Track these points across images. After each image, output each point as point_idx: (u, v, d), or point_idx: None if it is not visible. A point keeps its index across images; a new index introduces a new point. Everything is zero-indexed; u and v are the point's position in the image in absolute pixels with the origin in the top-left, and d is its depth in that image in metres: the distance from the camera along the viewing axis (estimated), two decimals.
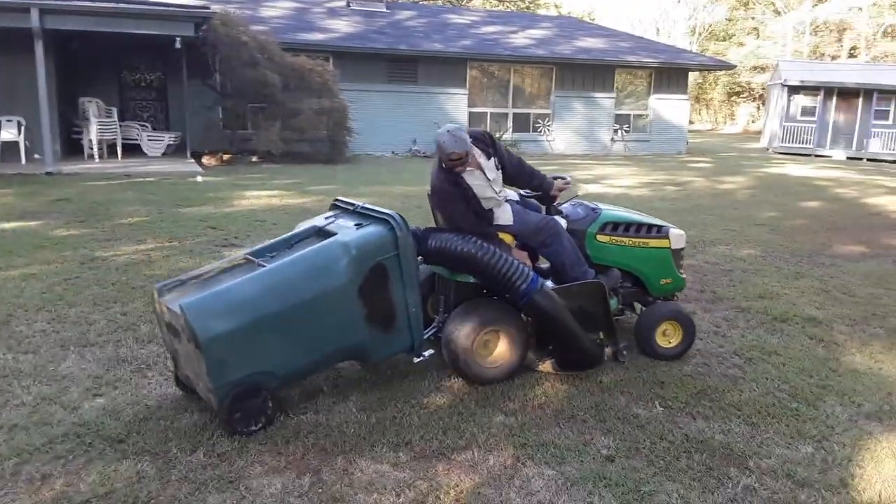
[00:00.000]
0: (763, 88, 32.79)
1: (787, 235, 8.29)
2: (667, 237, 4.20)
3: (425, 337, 3.65)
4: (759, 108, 36.00)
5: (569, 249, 3.89)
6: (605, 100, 19.99)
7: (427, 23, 20.81)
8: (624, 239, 4.12)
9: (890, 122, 23.22)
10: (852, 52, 38.98)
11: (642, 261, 4.17)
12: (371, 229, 3.35)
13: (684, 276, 4.43)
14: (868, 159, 22.40)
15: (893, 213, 10.57)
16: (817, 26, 39.44)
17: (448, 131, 3.59)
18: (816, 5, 38.73)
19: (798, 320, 4.95)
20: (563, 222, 4.03)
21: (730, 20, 43.36)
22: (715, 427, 3.29)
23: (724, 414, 3.44)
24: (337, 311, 3.20)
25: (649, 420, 3.34)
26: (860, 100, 23.28)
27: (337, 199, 3.93)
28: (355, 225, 3.42)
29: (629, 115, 20.50)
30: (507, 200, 4.00)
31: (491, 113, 19.35)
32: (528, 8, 39.40)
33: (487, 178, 3.80)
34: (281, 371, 3.13)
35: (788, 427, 3.32)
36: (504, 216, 3.91)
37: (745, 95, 41.85)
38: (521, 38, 20.53)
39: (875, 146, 23.02)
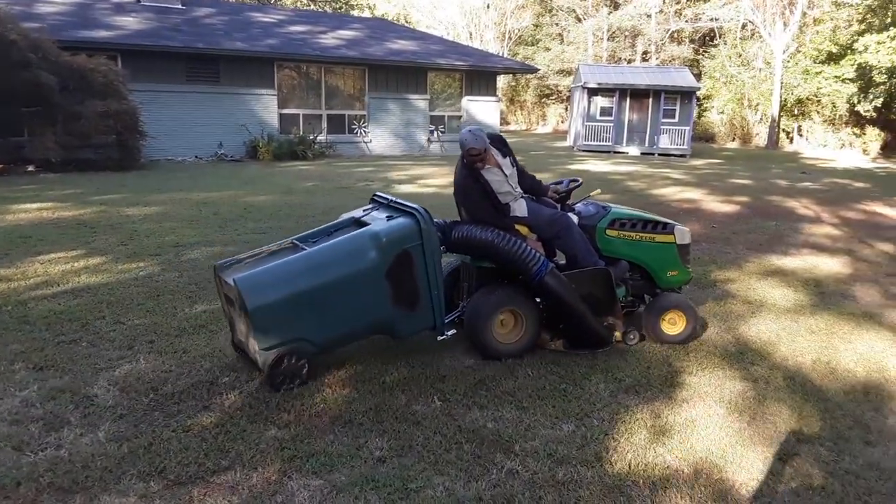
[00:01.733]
0: (568, 90, 35.44)
1: None
2: (672, 233, 4.62)
3: (449, 320, 4.13)
4: (566, 109, 38.86)
5: (579, 242, 4.36)
6: (420, 101, 20.45)
7: (228, 21, 19.96)
8: (631, 234, 4.56)
9: (676, 119, 26.11)
10: (644, 55, 43.38)
11: (649, 254, 4.60)
12: (399, 221, 3.85)
13: (690, 269, 4.82)
14: (659, 154, 25.03)
15: (674, 201, 11.84)
16: (613, 32, 43.43)
17: (469, 130, 4.17)
18: (612, 12, 42.65)
19: None
20: (574, 218, 4.50)
21: (536, 26, 46.39)
22: (488, 415, 3.44)
23: (498, 401, 3.60)
24: (367, 290, 3.71)
25: (426, 416, 3.41)
26: (650, 100, 25.94)
27: (375, 194, 4.45)
28: (386, 217, 3.95)
29: (444, 116, 21.14)
30: (522, 197, 4.45)
31: (304, 115, 18.99)
32: (341, 9, 39.30)
33: (504, 174, 4.32)
34: (317, 339, 3.67)
35: (555, 408, 3.55)
36: (520, 209, 4.40)
37: (554, 97, 44.99)
38: (331, 39, 20.39)
39: (664, 142, 25.77)
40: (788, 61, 32.21)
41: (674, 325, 4.58)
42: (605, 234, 4.53)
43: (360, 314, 3.76)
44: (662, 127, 25.81)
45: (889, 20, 27.25)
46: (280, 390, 3.57)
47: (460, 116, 21.33)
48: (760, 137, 33.76)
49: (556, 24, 46.00)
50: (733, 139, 35.12)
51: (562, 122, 42.15)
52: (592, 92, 25.84)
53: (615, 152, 25.15)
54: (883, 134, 30.72)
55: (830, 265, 7.17)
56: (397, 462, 2.97)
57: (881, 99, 28.14)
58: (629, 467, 3.01)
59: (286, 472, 2.88)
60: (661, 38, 42.05)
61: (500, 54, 39.23)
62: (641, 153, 25.35)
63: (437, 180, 13.77)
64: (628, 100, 25.91)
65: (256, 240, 7.35)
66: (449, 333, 4.07)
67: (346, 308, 3.70)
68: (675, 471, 2.99)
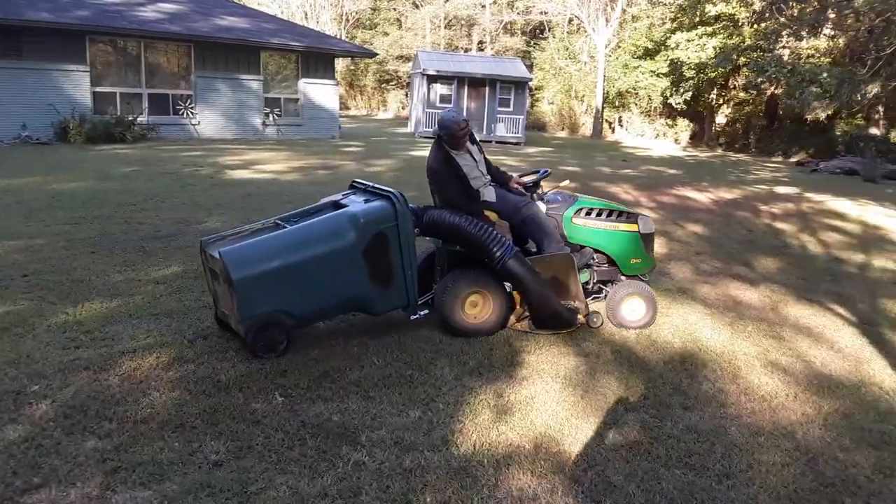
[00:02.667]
0: (408, 77, 35.71)
1: None
2: (636, 223, 4.83)
3: (422, 301, 4.37)
4: (406, 95, 39.16)
5: (545, 228, 4.58)
6: (253, 82, 19.57)
7: None
8: (597, 222, 4.77)
9: (511, 109, 27.26)
10: (480, 45, 44.80)
11: (613, 242, 4.81)
12: (376, 203, 4.11)
13: (654, 257, 5.02)
14: (496, 142, 26.00)
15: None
16: (450, 20, 44.37)
17: (448, 111, 4.56)
18: (448, 1, 43.52)
19: None
20: (542, 206, 4.71)
21: (374, 10, 46.20)
22: (333, 408, 3.36)
23: (343, 393, 3.54)
24: (344, 267, 3.96)
25: (267, 413, 3.27)
26: (487, 89, 26.84)
27: (354, 181, 4.72)
28: (364, 200, 4.21)
29: (280, 98, 20.41)
30: (490, 184, 4.67)
31: (122, 93, 17.45)
32: None
33: (474, 160, 4.57)
34: (296, 311, 3.89)
35: (401, 395, 3.55)
36: (489, 195, 4.63)
37: (394, 83, 45.13)
38: (151, 12, 18.88)
39: (500, 130, 26.83)
40: (610, 56, 34.76)
41: (635, 311, 4.81)
42: (572, 223, 4.76)
43: (337, 289, 4.02)
44: (498, 115, 26.83)
45: (697, 19, 30.22)
46: (261, 357, 3.82)
47: (297, 99, 20.72)
48: (587, 127, 36.15)
49: (395, 10, 46.11)
50: (563, 128, 37.29)
51: (403, 108, 42.40)
52: (432, 79, 26.23)
53: None
54: (692, 125, 34.16)
55: None
56: (236, 465, 2.82)
57: (690, 93, 31.21)
58: (474, 448, 3.09)
59: (109, 485, 2.63)
60: (496, 29, 43.64)
61: (338, 37, 38.61)
62: (480, 140, 26.17)
63: (274, 165, 13.29)
64: (466, 88, 26.62)
65: (68, 231, 6.66)
66: (421, 313, 4.36)
67: (325, 283, 3.95)
68: (518, 447, 3.11)
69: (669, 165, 19.59)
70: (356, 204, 4.20)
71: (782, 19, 21.02)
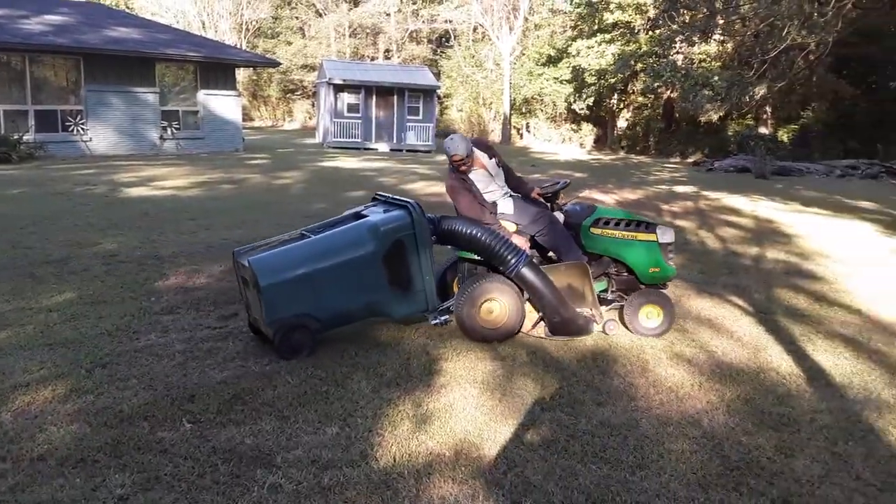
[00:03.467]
0: (314, 86, 35.30)
1: None
2: (654, 232, 4.92)
3: (442, 307, 4.61)
4: (313, 105, 38.70)
5: (562, 238, 4.79)
6: (148, 95, 18.82)
7: None
8: (615, 232, 4.89)
9: (420, 117, 27.47)
10: (387, 53, 44.90)
11: (631, 252, 4.90)
12: (394, 213, 4.40)
13: (673, 266, 5.08)
14: (407, 150, 26.13)
15: (423, 195, 12.41)
16: (355, 29, 44.24)
17: (451, 138, 4.69)
18: (352, 9, 43.39)
19: None
20: (560, 217, 4.92)
21: (276, 18, 45.46)
22: (245, 431, 3.27)
23: (256, 415, 3.45)
24: (366, 273, 4.25)
25: (175, 442, 3.14)
26: (395, 97, 26.91)
27: (376, 194, 4.95)
28: (383, 210, 4.50)
29: (178, 111, 19.73)
30: (510, 196, 4.91)
31: (6, 111, 16.42)
32: None
33: (490, 175, 4.83)
34: (320, 315, 4.19)
35: (317, 412, 3.50)
36: (506, 207, 4.87)
37: (299, 93, 44.53)
38: (36, 24, 17.87)
39: (412, 138, 26.98)
40: (515, 63, 35.61)
41: (651, 318, 4.90)
42: (590, 232, 4.89)
43: (359, 294, 4.31)
44: (408, 124, 26.97)
45: (596, 27, 31.45)
46: (287, 358, 4.10)
47: (197, 112, 20.09)
48: (496, 133, 36.86)
49: (297, 18, 45.56)
50: (472, 135, 37.86)
51: (310, 118, 41.89)
52: (338, 88, 26.06)
53: (365, 149, 25.69)
54: (595, 129, 35.46)
55: None
56: (143, 497, 2.69)
57: (592, 98, 32.40)
58: (394, 460, 3.08)
59: None
60: (402, 37, 43.88)
61: (239, 46, 37.74)
62: (391, 149, 26.22)
63: (174, 181, 12.83)
64: (374, 97, 26.61)
65: None
66: (442, 318, 4.58)
67: (347, 289, 4.26)
68: (438, 455, 3.13)
69: (576, 169, 20.26)
70: (376, 214, 4.51)
71: (675, 26, 22.19)
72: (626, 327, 4.99)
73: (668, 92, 30.30)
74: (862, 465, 3.23)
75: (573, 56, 31.47)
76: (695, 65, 27.00)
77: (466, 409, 3.62)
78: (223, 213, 9.51)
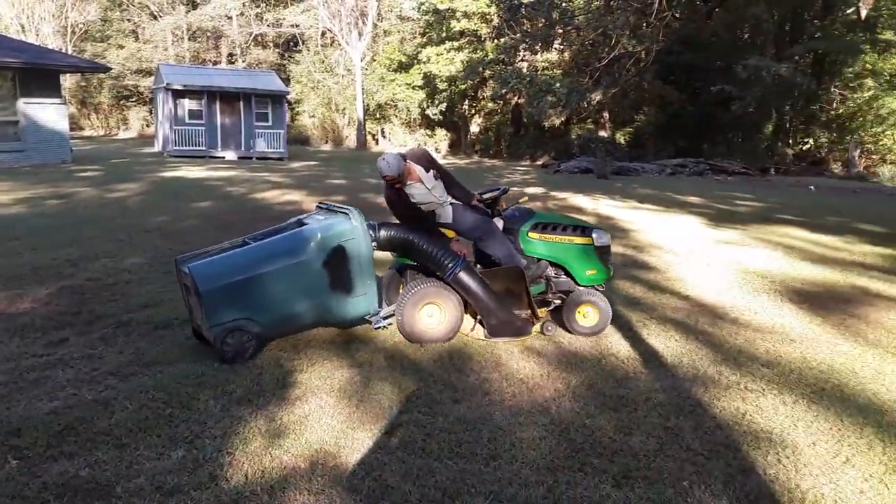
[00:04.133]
0: (150, 92, 33.37)
1: (177, 239, 8.53)
2: (590, 236, 5.12)
3: (384, 312, 4.79)
4: (150, 112, 36.53)
5: (500, 243, 4.98)
6: None
7: None
8: (552, 236, 5.08)
9: (270, 123, 26.76)
10: (230, 58, 43.31)
11: (567, 255, 5.10)
12: (334, 219, 4.57)
13: (610, 268, 5.30)
14: (257, 158, 25.36)
15: (276, 204, 12.12)
16: (194, 32, 42.29)
17: (383, 158, 4.67)
18: (190, 11, 41.44)
19: (179, 323, 5.08)
20: (500, 223, 5.11)
21: (105, 21, 42.49)
22: (80, 463, 3.04)
23: (91, 445, 3.21)
24: (306, 278, 4.39)
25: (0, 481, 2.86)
26: (241, 103, 26.03)
27: (320, 203, 5.14)
28: (324, 217, 4.67)
29: None
30: (450, 204, 5.00)
31: None
32: None
33: (427, 188, 4.86)
34: (261, 319, 4.33)
35: (160, 437, 3.32)
36: (445, 215, 5.00)
37: (135, 99, 41.91)
38: None
39: (261, 145, 26.22)
40: (367, 69, 35.68)
41: (587, 318, 5.09)
42: (528, 237, 5.08)
43: (300, 299, 4.45)
44: (257, 130, 26.21)
45: (444, 35, 32.23)
46: (229, 363, 4.24)
47: (17, 122, 18.32)
48: (351, 139, 36.73)
49: (129, 20, 42.87)
50: (326, 141, 37.49)
51: (147, 126, 39.50)
52: (178, 94, 24.83)
53: (211, 157, 24.65)
54: (449, 134, 36.33)
55: None
56: None
57: (445, 104, 33.18)
58: (246, 478, 2.99)
59: None
60: (246, 41, 42.53)
61: (64, 51, 34.87)
62: (239, 157, 25.35)
63: None
64: (218, 103, 25.61)
65: None
66: (385, 323, 4.78)
67: (288, 294, 4.40)
68: (293, 469, 3.08)
69: None
70: (316, 221, 4.68)
71: (518, 35, 23.25)
72: (564, 328, 5.18)
73: (516, 98, 31.70)
74: (691, 436, 3.56)
75: (424, 62, 32.07)
76: (538, 72, 28.44)
77: (323, 419, 3.59)
78: (52, 230, 8.75)
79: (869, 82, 27.70)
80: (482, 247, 5.11)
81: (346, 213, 4.62)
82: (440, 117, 34.36)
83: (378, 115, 37.19)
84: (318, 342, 4.80)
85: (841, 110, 28.77)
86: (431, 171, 5.01)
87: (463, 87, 32.05)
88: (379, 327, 4.78)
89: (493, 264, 5.08)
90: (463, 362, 4.52)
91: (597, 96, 22.96)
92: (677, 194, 16.66)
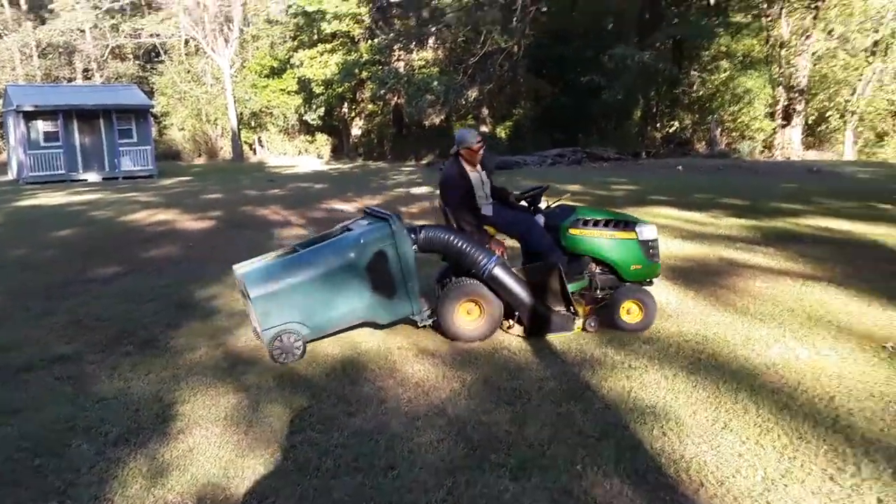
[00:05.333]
0: (0, 116, 30.89)
1: (39, 270, 7.94)
2: (633, 230, 5.07)
3: (427, 310, 4.98)
4: (1, 137, 33.77)
5: (541, 240, 5.08)
6: None
7: None
8: (593, 231, 5.08)
9: (135, 140, 25.40)
10: (86, 73, 40.77)
11: (611, 250, 5.08)
12: (375, 225, 4.88)
13: (657, 262, 5.21)
14: (123, 178, 24.01)
15: (147, 225, 11.51)
16: (44, 48, 39.49)
17: (467, 130, 5.28)
18: (38, 27, 38.64)
19: (44, 364, 4.72)
20: (541, 219, 5.21)
21: None
22: None
23: None
24: (350, 281, 4.75)
25: None
26: (101, 121, 24.57)
27: (365, 208, 5.58)
28: (368, 223, 5.01)
29: None
30: (490, 203, 5.26)
31: None
32: None
33: (482, 181, 5.19)
34: (309, 322, 4.71)
35: (28, 490, 3.08)
36: (487, 210, 5.20)
37: None
38: None
39: (127, 164, 24.84)
40: (237, 76, 34.63)
41: (631, 314, 5.05)
42: (569, 233, 5.09)
43: (345, 302, 4.75)
44: (121, 149, 24.87)
45: (316, 37, 31.77)
46: (278, 362, 4.60)
47: None
48: (226, 151, 35.55)
49: None
50: (199, 155, 36.11)
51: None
52: (30, 116, 23.14)
53: (73, 181, 23.13)
54: (331, 139, 35.90)
55: None
56: None
57: (323, 108, 32.75)
58: None
59: None
60: (103, 55, 40.19)
61: None
62: (104, 178, 23.95)
63: None
64: (76, 122, 24.09)
65: None
66: (429, 322, 4.99)
67: (334, 297, 4.72)
68: None
69: (316, 180, 20.31)
70: (360, 226, 4.98)
71: (391, 34, 23.31)
72: (610, 324, 5.12)
73: (396, 98, 31.75)
74: (582, 420, 3.69)
75: (297, 67, 31.50)
76: (415, 71, 28.64)
77: (209, 451, 3.44)
78: None
79: (724, 64, 29.79)
80: (523, 243, 5.27)
81: (386, 219, 4.86)
82: (319, 122, 33.89)
83: (253, 124, 36.19)
84: (200, 369, 4.60)
85: (701, 92, 30.76)
86: (483, 171, 5.34)
87: (340, 89, 31.74)
88: (423, 325, 5.00)
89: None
90: (357, 372, 4.48)
91: (473, 92, 23.42)
92: (558, 183, 17.23)
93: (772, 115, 27.83)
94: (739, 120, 28.78)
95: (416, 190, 16.75)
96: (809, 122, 28.98)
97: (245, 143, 36.08)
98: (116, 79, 38.84)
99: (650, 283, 5.29)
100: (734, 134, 29.43)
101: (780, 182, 16.26)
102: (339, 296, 4.74)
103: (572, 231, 5.12)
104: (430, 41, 28.37)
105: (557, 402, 3.91)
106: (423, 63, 29.85)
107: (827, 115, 28.69)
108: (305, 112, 33.11)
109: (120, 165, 24.58)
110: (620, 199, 13.53)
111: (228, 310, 6.03)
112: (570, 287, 4.99)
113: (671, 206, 11.83)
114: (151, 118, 27.54)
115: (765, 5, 27.83)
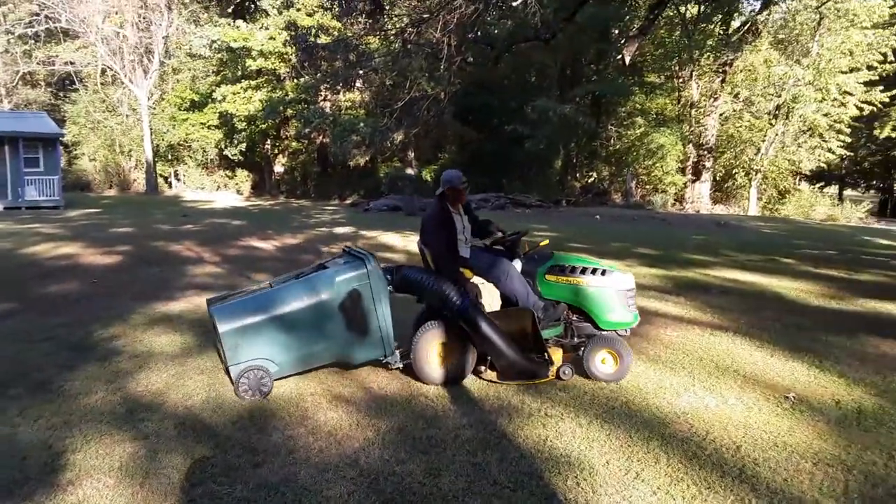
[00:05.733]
0: None
1: None
2: (610, 278, 5.03)
3: (401, 351, 4.95)
4: None
5: (517, 285, 5.02)
6: None
7: None
8: (569, 279, 5.08)
9: (42, 169, 24.19)
10: None
11: (586, 298, 5.07)
12: (351, 265, 4.88)
13: (634, 312, 5.18)
14: (27, 208, 22.75)
15: (48, 259, 10.87)
16: None
17: (453, 170, 5.21)
18: None
19: None
20: (518, 265, 5.15)
21: None
22: None
23: None
24: (323, 320, 4.72)
25: None
26: (7, 148, 23.32)
27: (345, 247, 5.41)
28: (344, 262, 5.01)
29: None
30: (468, 246, 5.25)
31: None
32: None
33: (463, 224, 5.21)
34: (278, 359, 4.68)
35: None
36: (465, 252, 5.17)
37: None
38: None
39: (32, 194, 23.58)
40: (155, 108, 33.75)
41: (606, 364, 5.00)
42: (545, 279, 5.10)
43: (317, 340, 4.73)
44: (27, 178, 23.64)
45: (240, 73, 31.39)
46: (245, 399, 4.52)
47: None
48: (140, 183, 34.36)
49: None
50: (111, 186, 34.76)
51: None
52: None
53: None
54: (252, 175, 35.27)
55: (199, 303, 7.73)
56: None
57: (245, 144, 32.21)
58: None
59: None
60: (13, 81, 38.43)
61: None
62: (5, 208, 22.63)
63: None
64: None
65: None
66: (401, 364, 4.93)
67: (304, 335, 4.68)
68: None
69: (233, 217, 19.83)
70: (335, 265, 4.96)
71: (318, 74, 23.31)
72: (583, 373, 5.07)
73: (321, 137, 31.62)
74: (497, 470, 3.65)
75: (219, 102, 30.97)
76: (342, 111, 28.67)
77: None
78: None
79: (639, 120, 31.29)
80: (499, 287, 5.17)
81: (361, 259, 4.86)
82: (240, 157, 33.28)
83: (170, 157, 35.18)
84: (95, 414, 4.31)
85: (618, 146, 32.12)
86: (465, 217, 5.34)
87: (264, 126, 31.35)
88: (396, 368, 4.97)
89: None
90: (265, 420, 4.29)
91: (399, 136, 23.61)
92: None
93: (683, 171, 29.30)
94: (653, 174, 30.11)
95: (339, 229, 16.60)
96: (717, 177, 30.69)
97: (161, 175, 34.98)
98: (26, 105, 37.14)
99: (626, 332, 5.28)
100: (648, 186, 30.74)
101: (691, 234, 17.02)
102: (311, 334, 4.72)
103: (549, 277, 5.15)
104: (358, 83, 28.55)
105: (473, 452, 3.86)
106: (350, 104, 29.93)
107: (733, 171, 30.46)
108: (226, 147, 32.49)
109: (24, 195, 23.30)
110: None
111: (131, 351, 5.71)
112: (545, 333, 5.02)
113: (589, 254, 12.13)
114: (61, 147, 26.34)
115: (676, 68, 29.57)
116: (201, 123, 32.62)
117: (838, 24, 26.20)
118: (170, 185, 35.51)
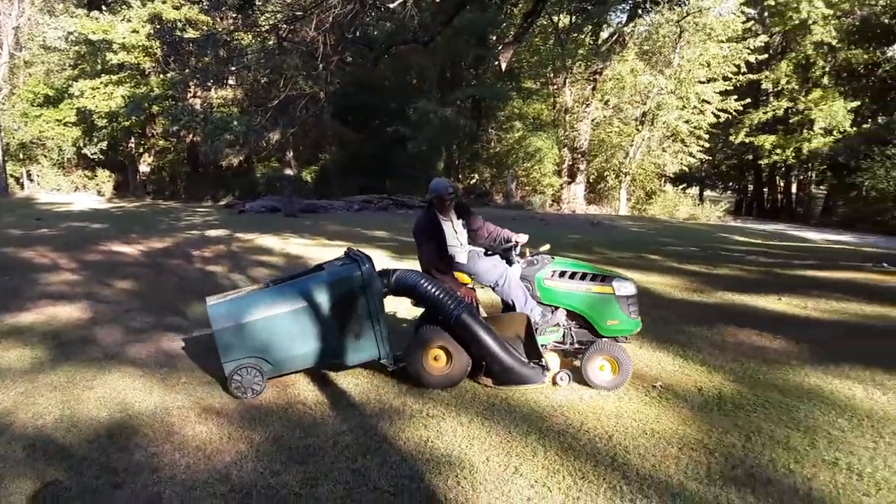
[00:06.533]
0: None
1: None
2: (610, 285, 4.95)
3: (396, 354, 4.96)
4: None
5: (516, 290, 5.09)
6: None
7: None
8: (569, 284, 5.01)
9: None
10: None
11: (586, 304, 5.00)
12: (346, 267, 4.89)
13: (636, 319, 5.04)
14: None
15: None
16: None
17: (441, 179, 5.36)
18: None
19: None
20: (518, 269, 5.17)
21: None
22: None
23: None
24: (317, 321, 4.75)
25: None
26: None
27: (347, 249, 5.27)
28: (340, 264, 5.02)
29: None
30: (469, 251, 5.34)
31: None
32: None
33: (454, 230, 5.32)
34: (271, 358, 4.72)
35: None
36: (461, 257, 5.33)
37: None
38: None
39: None
40: (4, 104, 31.08)
41: (604, 371, 4.90)
42: (543, 284, 5.04)
43: (311, 340, 4.75)
44: None
45: (100, 68, 29.38)
46: (236, 398, 4.63)
47: None
48: None
49: None
50: None
51: None
52: None
53: None
54: (114, 175, 33.14)
55: (69, 313, 7.15)
56: None
57: (106, 142, 30.19)
58: None
59: None
60: None
61: None
62: None
63: None
64: None
65: None
66: (398, 365, 4.90)
67: (298, 335, 4.73)
68: None
69: (93, 220, 18.53)
70: (331, 267, 4.99)
71: (186, 70, 22.25)
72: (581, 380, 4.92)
73: (191, 136, 30.19)
74: (378, 474, 3.59)
75: (77, 97, 28.86)
76: (213, 109, 27.50)
77: None
78: None
79: (518, 124, 32.19)
80: (498, 293, 5.23)
81: (357, 260, 4.84)
82: (101, 157, 31.15)
83: (22, 156, 32.40)
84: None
85: (498, 148, 32.87)
86: (461, 220, 5.38)
87: (127, 123, 29.49)
88: (392, 370, 4.91)
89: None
90: (127, 438, 4.01)
91: (275, 135, 22.97)
92: (365, 229, 17.32)
93: (559, 173, 30.45)
94: (532, 175, 31.06)
95: (211, 232, 15.90)
96: (591, 179, 32.15)
97: (12, 176, 32.15)
98: None
99: (626, 339, 5.22)
100: (528, 188, 31.69)
101: (567, 232, 17.69)
102: (305, 334, 4.73)
103: (547, 283, 5.10)
104: (230, 80, 27.52)
105: (353, 458, 3.78)
106: (222, 101, 28.78)
107: (605, 174, 32.01)
108: (85, 145, 30.30)
109: None
110: None
111: None
112: (542, 339, 5.01)
113: None
114: None
115: (551, 74, 30.72)
116: (57, 120, 30.24)
117: (697, 37, 28.16)
118: (22, 187, 32.70)
